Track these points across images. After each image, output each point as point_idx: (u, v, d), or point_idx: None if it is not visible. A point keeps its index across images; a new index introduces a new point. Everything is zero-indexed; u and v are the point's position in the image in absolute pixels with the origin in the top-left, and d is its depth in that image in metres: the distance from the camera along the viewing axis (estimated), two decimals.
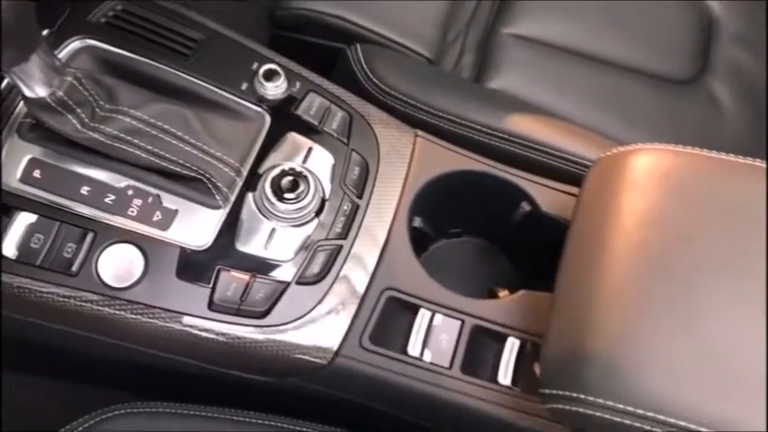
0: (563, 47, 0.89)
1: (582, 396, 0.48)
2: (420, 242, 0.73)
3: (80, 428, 0.61)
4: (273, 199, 0.60)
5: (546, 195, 0.68)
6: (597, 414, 0.48)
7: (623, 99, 0.88)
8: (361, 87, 0.78)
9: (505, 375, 0.59)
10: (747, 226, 0.52)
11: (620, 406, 0.47)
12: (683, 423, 0.46)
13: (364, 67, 0.79)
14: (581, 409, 0.48)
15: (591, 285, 0.51)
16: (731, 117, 0.91)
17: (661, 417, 0.46)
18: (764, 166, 0.55)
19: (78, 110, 0.59)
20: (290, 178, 0.60)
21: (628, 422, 0.47)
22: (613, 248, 0.52)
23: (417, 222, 0.69)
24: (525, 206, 0.69)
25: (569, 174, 0.72)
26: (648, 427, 0.47)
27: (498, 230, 0.74)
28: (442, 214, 0.72)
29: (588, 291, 0.51)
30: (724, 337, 0.48)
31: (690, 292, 0.49)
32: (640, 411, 0.47)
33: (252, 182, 0.62)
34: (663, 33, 0.93)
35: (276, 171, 0.61)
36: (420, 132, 0.70)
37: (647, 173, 0.55)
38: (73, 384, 0.85)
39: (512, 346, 0.60)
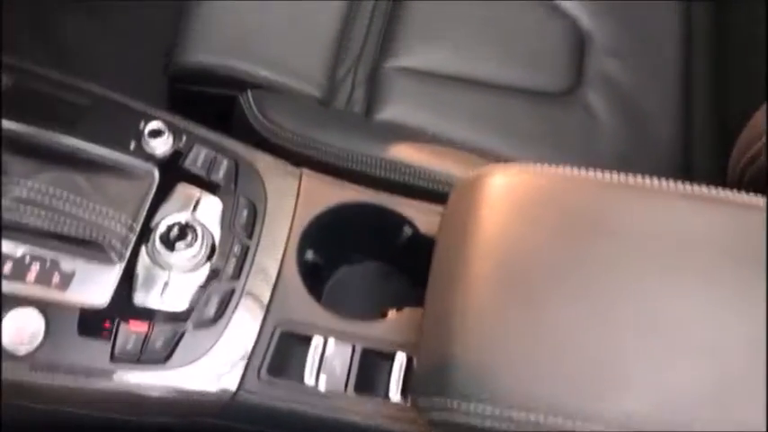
0: (444, 74, 0.95)
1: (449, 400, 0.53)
2: (318, 274, 0.77)
3: None
4: (163, 250, 0.64)
5: (425, 217, 0.73)
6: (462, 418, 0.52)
7: (504, 116, 0.94)
8: (253, 130, 0.83)
9: (396, 390, 0.64)
10: (584, 235, 0.58)
11: (489, 407, 0.52)
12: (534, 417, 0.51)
13: (255, 111, 0.84)
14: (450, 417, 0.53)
15: (451, 302, 0.57)
16: (606, 124, 0.98)
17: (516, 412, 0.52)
18: (603, 177, 0.61)
19: None
20: (178, 230, 0.65)
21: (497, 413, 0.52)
22: (469, 267, 0.57)
23: (310, 255, 0.74)
24: (407, 230, 0.74)
25: (446, 195, 0.78)
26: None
27: (391, 254, 0.79)
28: (336, 245, 0.76)
29: (449, 307, 0.57)
30: (570, 338, 0.54)
31: (536, 300, 0.55)
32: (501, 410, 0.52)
33: (145, 235, 0.66)
34: (537, 52, 1.00)
35: (163, 227, 0.65)
36: (305, 170, 0.75)
37: (497, 193, 0.60)
38: None
39: (401, 361, 0.65)
